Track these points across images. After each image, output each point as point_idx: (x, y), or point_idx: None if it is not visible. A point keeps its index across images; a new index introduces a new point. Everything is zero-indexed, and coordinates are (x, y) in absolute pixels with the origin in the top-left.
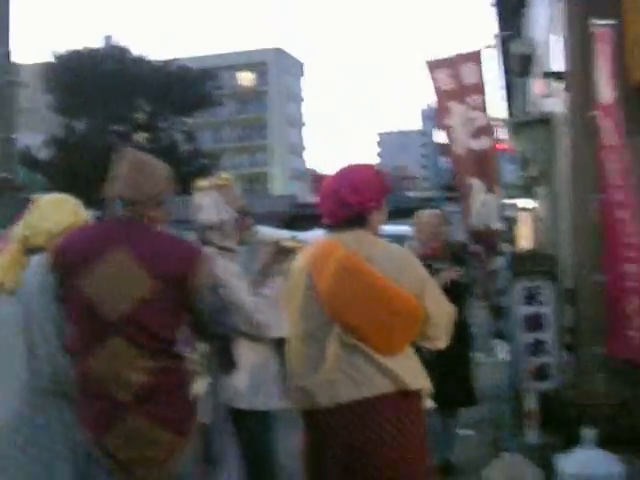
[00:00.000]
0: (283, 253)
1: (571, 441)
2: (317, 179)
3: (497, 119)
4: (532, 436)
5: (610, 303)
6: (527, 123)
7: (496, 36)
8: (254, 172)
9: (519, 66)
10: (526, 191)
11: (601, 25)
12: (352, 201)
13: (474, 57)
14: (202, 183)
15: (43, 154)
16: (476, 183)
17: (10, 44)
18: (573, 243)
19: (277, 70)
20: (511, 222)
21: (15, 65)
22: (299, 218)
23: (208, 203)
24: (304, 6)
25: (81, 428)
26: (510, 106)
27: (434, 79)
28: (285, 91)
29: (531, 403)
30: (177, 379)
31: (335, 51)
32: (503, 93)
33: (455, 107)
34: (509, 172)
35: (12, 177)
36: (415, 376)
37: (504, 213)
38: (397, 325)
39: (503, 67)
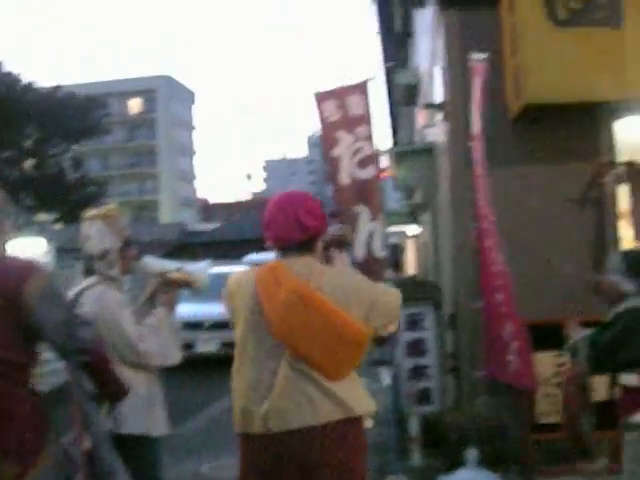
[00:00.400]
0: (169, 284)
1: (454, 462)
2: (207, 207)
3: (382, 148)
4: (416, 458)
5: (487, 328)
6: (411, 152)
7: (383, 66)
8: (143, 200)
9: (404, 96)
10: (412, 218)
11: (478, 59)
12: (311, 225)
13: (360, 88)
14: (89, 213)
15: None
16: (362, 211)
17: None
18: (454, 270)
19: (166, 97)
20: (397, 249)
21: None
22: (187, 246)
23: (93, 232)
24: (195, 35)
25: None
26: (396, 135)
27: (321, 111)
28: (175, 118)
29: (414, 426)
30: (22, 405)
31: (226, 80)
32: (389, 122)
33: (342, 137)
34: (395, 200)
35: None
36: (360, 400)
37: (389, 241)
38: (347, 353)
39: (390, 97)
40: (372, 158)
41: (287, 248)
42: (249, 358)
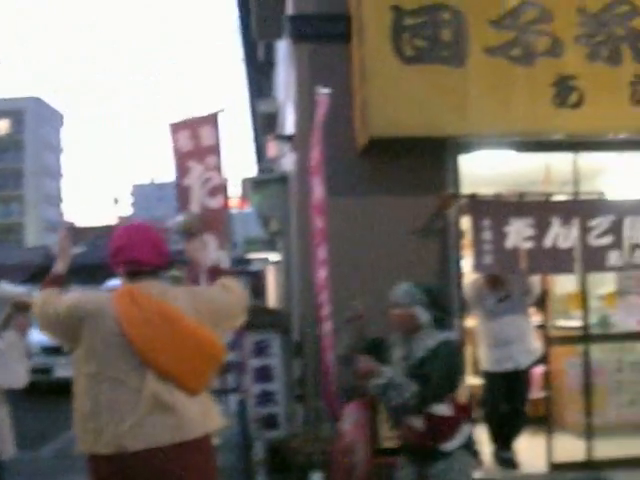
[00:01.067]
0: (21, 309)
1: None
2: (73, 230)
3: (241, 177)
4: None
5: (322, 357)
6: (265, 181)
7: (248, 94)
8: (8, 222)
9: (265, 125)
10: (272, 246)
11: (322, 92)
12: (165, 252)
13: (211, 120)
14: None
15: None
16: (209, 240)
17: None
18: (300, 297)
19: (34, 119)
20: (259, 276)
21: None
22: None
23: None
24: (65, 58)
25: None
26: (260, 162)
27: (175, 140)
28: (43, 141)
29: (261, 451)
30: None
31: (96, 103)
32: (254, 150)
33: (193, 167)
34: (256, 227)
35: None
36: (213, 416)
37: (250, 267)
38: (206, 367)
39: (254, 125)
40: (221, 188)
41: (140, 272)
42: (108, 378)
